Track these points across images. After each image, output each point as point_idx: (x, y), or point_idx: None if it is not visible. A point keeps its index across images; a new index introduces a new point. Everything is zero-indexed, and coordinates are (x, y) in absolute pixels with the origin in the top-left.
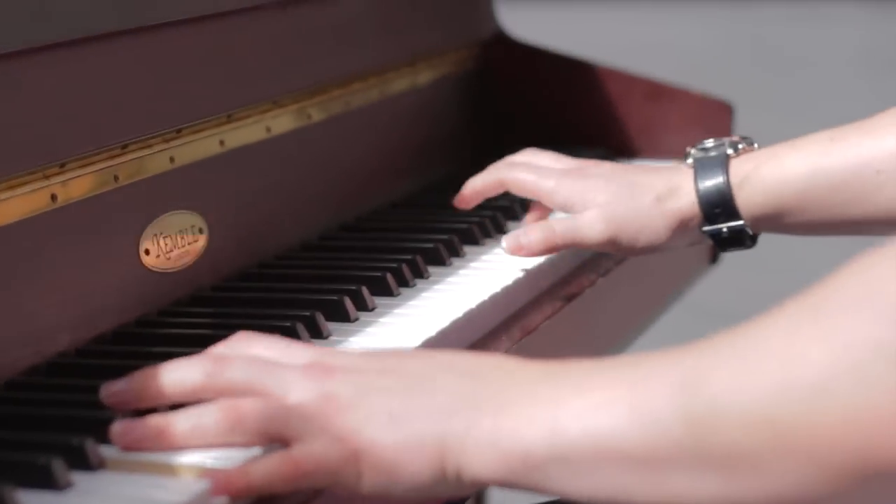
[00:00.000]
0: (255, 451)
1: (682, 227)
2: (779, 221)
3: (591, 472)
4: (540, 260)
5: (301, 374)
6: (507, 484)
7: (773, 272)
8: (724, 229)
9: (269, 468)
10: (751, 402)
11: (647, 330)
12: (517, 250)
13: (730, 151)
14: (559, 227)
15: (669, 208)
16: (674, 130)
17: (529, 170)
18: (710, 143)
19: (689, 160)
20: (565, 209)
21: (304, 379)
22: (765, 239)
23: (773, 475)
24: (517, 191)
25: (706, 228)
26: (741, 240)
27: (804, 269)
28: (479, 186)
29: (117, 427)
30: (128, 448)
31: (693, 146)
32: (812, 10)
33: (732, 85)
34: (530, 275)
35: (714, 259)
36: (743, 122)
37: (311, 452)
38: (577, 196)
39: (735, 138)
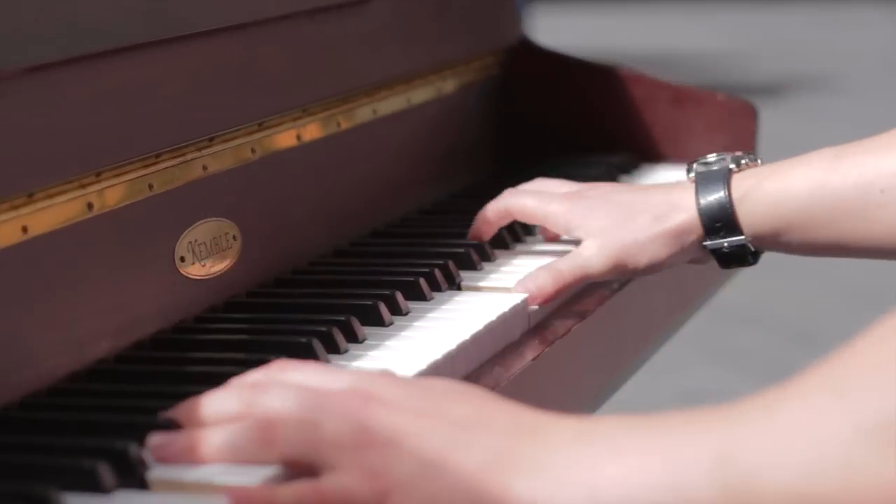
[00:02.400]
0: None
1: (681, 244)
2: (781, 238)
3: None
4: None
5: (338, 403)
6: None
7: (802, 277)
8: (725, 244)
9: (294, 494)
10: (785, 479)
11: (669, 340)
12: (531, 300)
13: (732, 166)
14: (565, 266)
15: (668, 226)
16: (699, 135)
17: (533, 196)
18: (712, 157)
19: (691, 174)
20: (567, 232)
21: (341, 408)
22: None
23: None
24: (522, 217)
25: (707, 243)
26: (743, 256)
27: (829, 275)
28: (489, 217)
29: (155, 439)
30: (161, 461)
31: (696, 161)
32: (836, 13)
33: (756, 91)
34: None
35: None
36: (767, 129)
37: (338, 485)
38: (577, 219)
39: (738, 153)
